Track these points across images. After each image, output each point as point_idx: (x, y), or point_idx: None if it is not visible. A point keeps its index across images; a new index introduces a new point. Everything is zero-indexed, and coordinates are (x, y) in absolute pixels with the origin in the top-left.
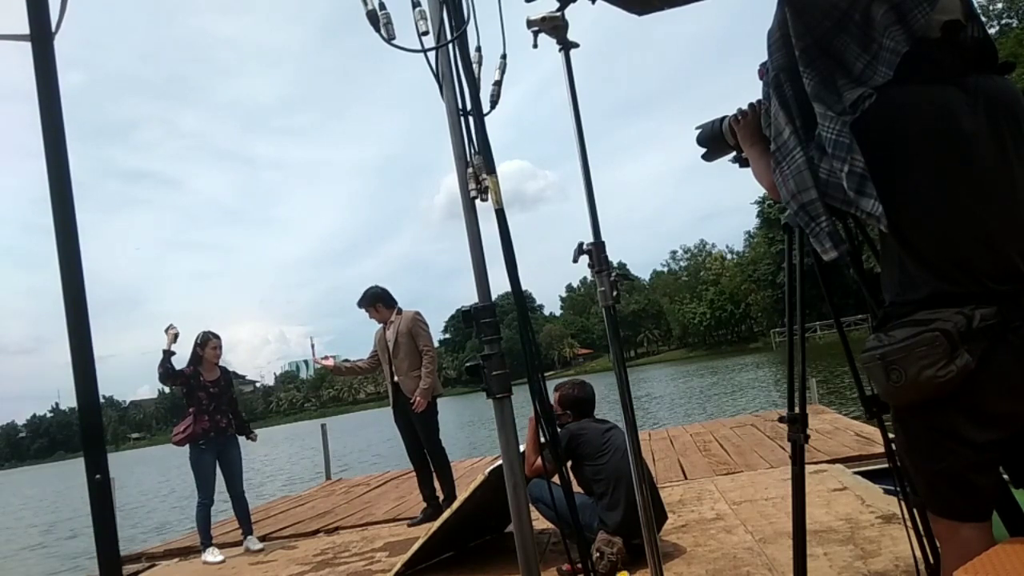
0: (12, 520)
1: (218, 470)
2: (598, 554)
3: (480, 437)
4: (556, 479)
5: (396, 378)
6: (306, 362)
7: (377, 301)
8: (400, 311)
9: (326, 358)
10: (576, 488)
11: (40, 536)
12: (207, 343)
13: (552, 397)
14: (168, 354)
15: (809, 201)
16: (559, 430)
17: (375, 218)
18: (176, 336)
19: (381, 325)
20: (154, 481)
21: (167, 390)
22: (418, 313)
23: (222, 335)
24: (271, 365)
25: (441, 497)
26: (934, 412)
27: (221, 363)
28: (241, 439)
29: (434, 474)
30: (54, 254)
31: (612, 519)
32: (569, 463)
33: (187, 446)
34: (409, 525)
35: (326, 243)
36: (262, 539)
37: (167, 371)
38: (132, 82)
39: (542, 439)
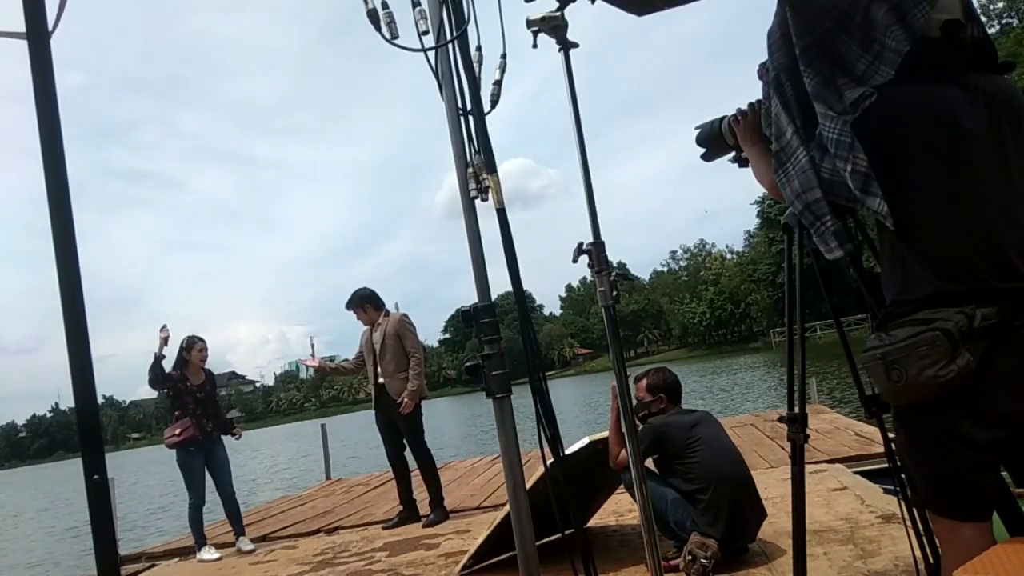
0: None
1: (207, 473)
2: (689, 557)
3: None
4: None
5: (381, 379)
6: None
7: (365, 303)
8: (388, 313)
9: (312, 358)
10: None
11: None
12: (192, 347)
13: (635, 388)
14: (159, 358)
15: (814, 200)
16: (643, 424)
17: (375, 217)
18: (167, 339)
19: (368, 327)
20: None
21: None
22: (405, 315)
23: (222, 335)
24: (271, 365)
25: (428, 499)
26: (935, 411)
27: (219, 365)
28: (228, 440)
29: (421, 476)
30: (52, 254)
31: (708, 522)
32: (654, 458)
33: (174, 449)
34: (384, 528)
35: (326, 243)
36: (263, 539)
37: (156, 376)
38: (131, 82)
39: (622, 428)
